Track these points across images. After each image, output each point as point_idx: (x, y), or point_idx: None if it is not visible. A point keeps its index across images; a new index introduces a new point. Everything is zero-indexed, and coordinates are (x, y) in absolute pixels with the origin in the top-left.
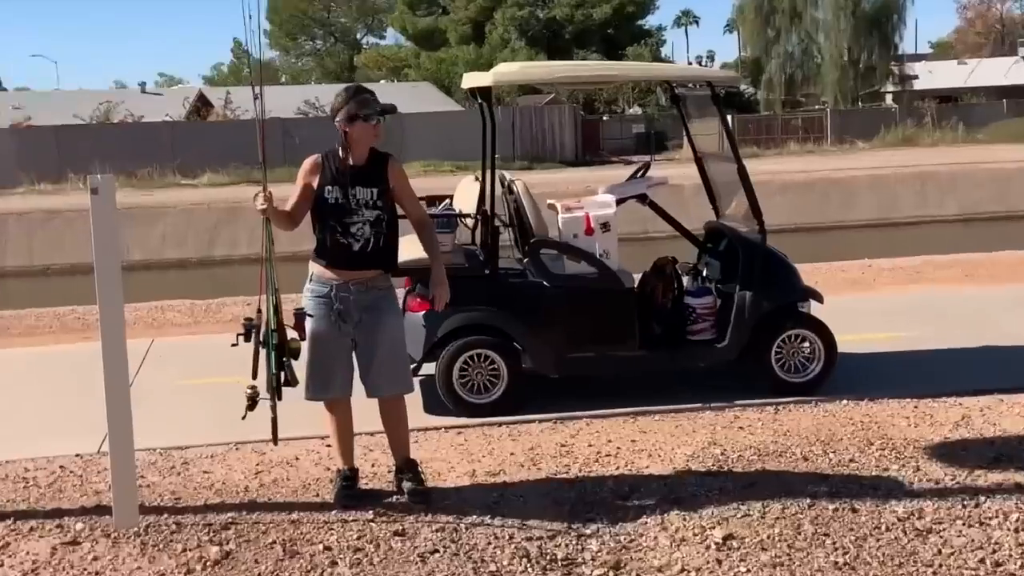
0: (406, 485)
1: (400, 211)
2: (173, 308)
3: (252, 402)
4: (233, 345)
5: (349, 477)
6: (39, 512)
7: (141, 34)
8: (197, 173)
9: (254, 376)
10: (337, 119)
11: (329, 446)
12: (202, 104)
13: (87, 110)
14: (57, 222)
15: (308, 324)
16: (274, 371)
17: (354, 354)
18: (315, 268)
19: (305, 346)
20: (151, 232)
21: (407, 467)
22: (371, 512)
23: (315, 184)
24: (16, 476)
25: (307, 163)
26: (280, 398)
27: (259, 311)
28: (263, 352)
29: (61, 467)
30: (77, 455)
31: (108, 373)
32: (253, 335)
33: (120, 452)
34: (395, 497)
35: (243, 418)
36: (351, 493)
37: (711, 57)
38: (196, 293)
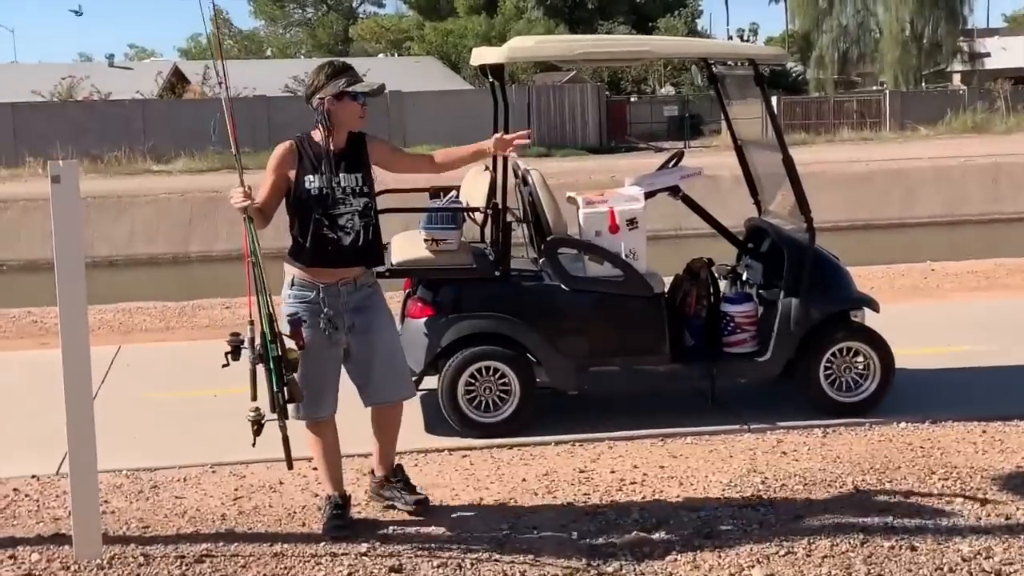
0: (406, 497)
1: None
2: (143, 311)
3: (258, 426)
4: (224, 366)
5: (340, 505)
6: None
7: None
8: (171, 157)
9: (253, 397)
10: (319, 96)
11: (315, 469)
12: (177, 80)
13: (47, 86)
14: (11, 212)
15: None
16: (276, 388)
17: (344, 364)
18: (295, 271)
19: None
20: (118, 224)
21: (397, 473)
22: (364, 544)
23: (292, 174)
24: None
25: (279, 151)
26: (287, 416)
27: (251, 322)
28: (260, 368)
29: (15, 490)
30: (33, 476)
31: (69, 384)
32: (246, 351)
33: (81, 474)
34: (391, 528)
35: (253, 445)
36: (342, 523)
37: (754, 31)
38: (169, 294)
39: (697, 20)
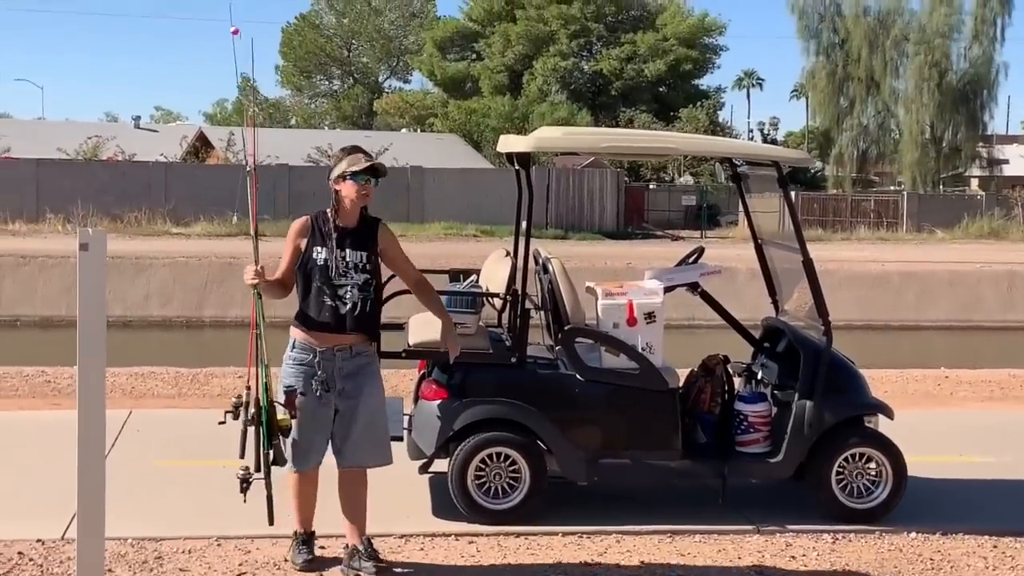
0: (368, 565)
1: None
2: (155, 376)
3: (246, 483)
4: (221, 423)
5: (306, 540)
6: None
7: (138, 63)
8: (190, 221)
9: (241, 455)
10: (330, 178)
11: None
12: (201, 145)
13: (73, 144)
14: (30, 268)
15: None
16: (265, 450)
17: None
18: (297, 334)
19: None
20: (135, 285)
21: (367, 546)
22: None
23: (303, 245)
24: None
25: (296, 224)
26: (269, 475)
27: (248, 387)
28: (251, 430)
29: (20, 553)
30: (39, 540)
31: (83, 449)
32: (241, 413)
33: (89, 541)
34: None
35: (244, 501)
36: (308, 555)
37: (775, 124)
38: (181, 359)
39: (719, 111)
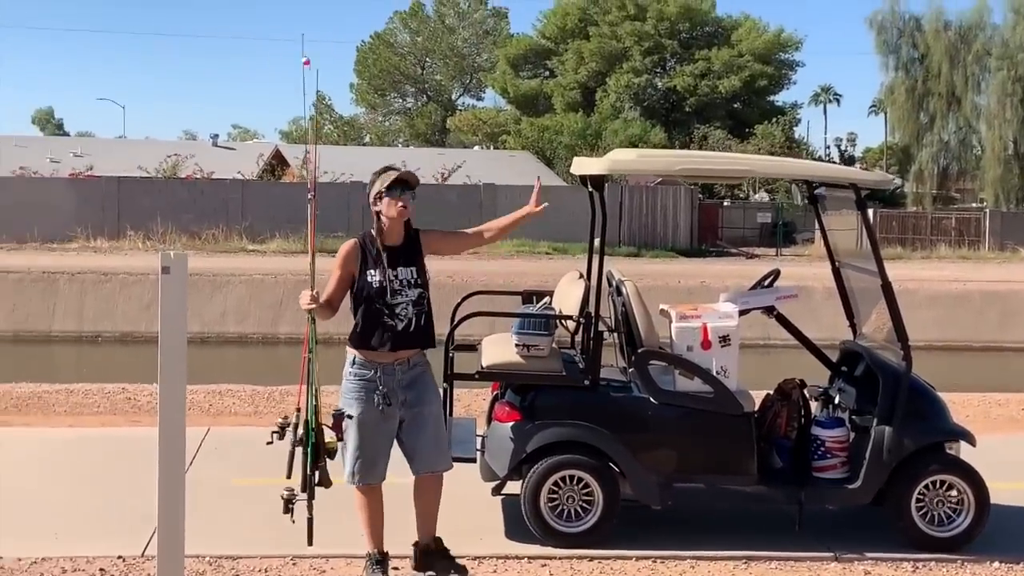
0: (444, 564)
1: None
2: (232, 393)
3: (289, 504)
4: (268, 443)
5: (379, 560)
6: None
7: (216, 82)
8: (266, 238)
9: (288, 475)
10: (370, 198)
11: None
12: (277, 163)
13: (153, 162)
14: (111, 285)
15: (354, 410)
16: (309, 471)
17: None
18: (356, 352)
19: (348, 434)
20: (212, 302)
21: (437, 547)
22: None
23: (355, 270)
24: None
25: (344, 249)
26: (313, 497)
27: (297, 409)
28: (299, 451)
29: (101, 570)
30: (119, 557)
31: (163, 468)
32: (288, 433)
33: (169, 559)
34: None
35: (293, 521)
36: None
37: (852, 141)
38: (257, 376)
39: (795, 127)
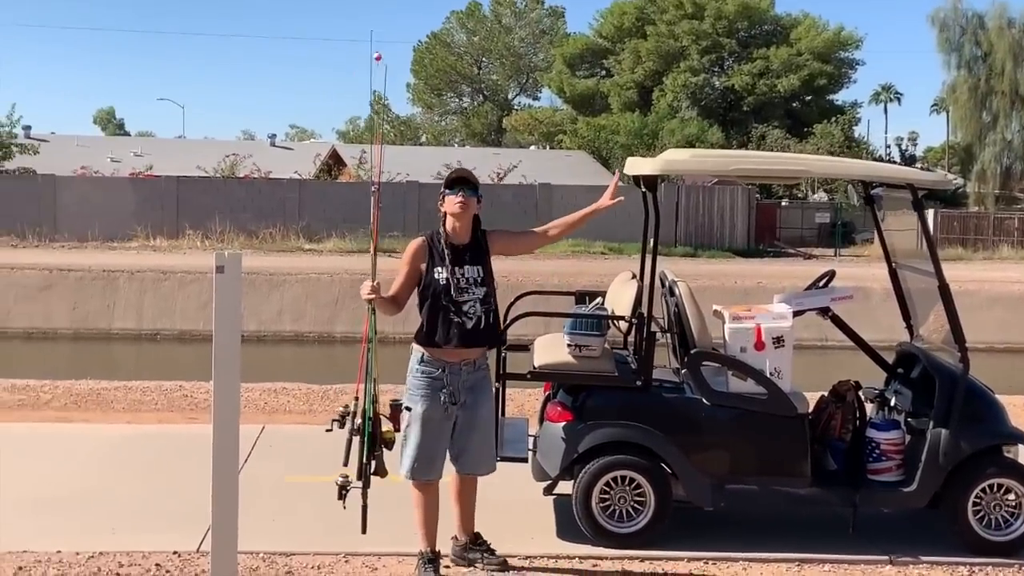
0: (489, 558)
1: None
2: (287, 391)
3: (343, 490)
4: (327, 430)
5: (432, 559)
6: None
7: (274, 82)
8: (323, 237)
9: (345, 463)
10: (439, 202)
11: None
12: (334, 162)
13: (212, 161)
14: (169, 283)
15: (419, 406)
16: (365, 460)
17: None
18: (424, 350)
19: (410, 429)
20: (269, 301)
21: (477, 540)
22: None
23: (423, 267)
24: (109, 571)
25: (413, 246)
26: (368, 486)
27: (356, 397)
28: (355, 440)
29: (157, 565)
30: (175, 552)
31: (217, 466)
32: (348, 422)
33: (222, 555)
34: None
35: (344, 507)
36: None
37: (913, 140)
38: (312, 374)
39: (855, 127)
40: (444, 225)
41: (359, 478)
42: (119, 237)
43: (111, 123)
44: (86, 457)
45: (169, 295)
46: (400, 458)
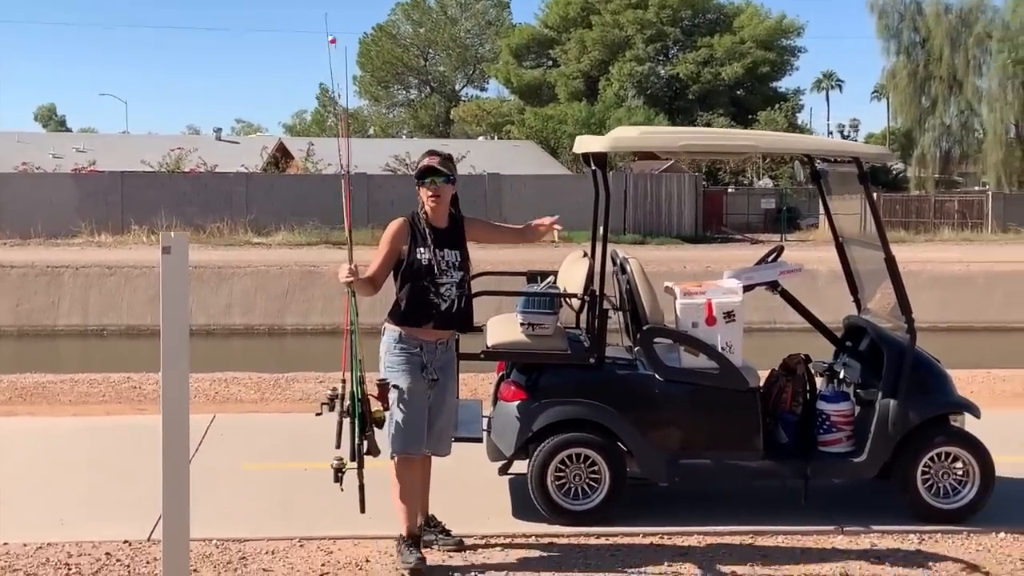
0: (445, 539)
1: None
2: (238, 381)
3: (339, 472)
4: (317, 414)
5: (416, 544)
6: None
7: (219, 77)
8: (271, 230)
9: (337, 445)
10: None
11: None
12: (281, 155)
13: (156, 156)
14: (116, 278)
15: (401, 382)
16: (358, 440)
17: None
18: (400, 330)
19: (394, 406)
20: (218, 294)
21: (431, 523)
22: None
23: (404, 247)
24: (58, 562)
25: (394, 227)
26: (363, 466)
27: (343, 380)
28: (347, 422)
29: (107, 554)
30: (125, 541)
31: (167, 452)
32: (337, 404)
33: (174, 542)
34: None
35: (342, 489)
36: (421, 558)
37: (855, 126)
38: (263, 365)
39: (798, 114)
40: (423, 209)
41: (353, 459)
42: (63, 234)
43: (52, 119)
44: (33, 450)
45: (115, 290)
46: (386, 437)
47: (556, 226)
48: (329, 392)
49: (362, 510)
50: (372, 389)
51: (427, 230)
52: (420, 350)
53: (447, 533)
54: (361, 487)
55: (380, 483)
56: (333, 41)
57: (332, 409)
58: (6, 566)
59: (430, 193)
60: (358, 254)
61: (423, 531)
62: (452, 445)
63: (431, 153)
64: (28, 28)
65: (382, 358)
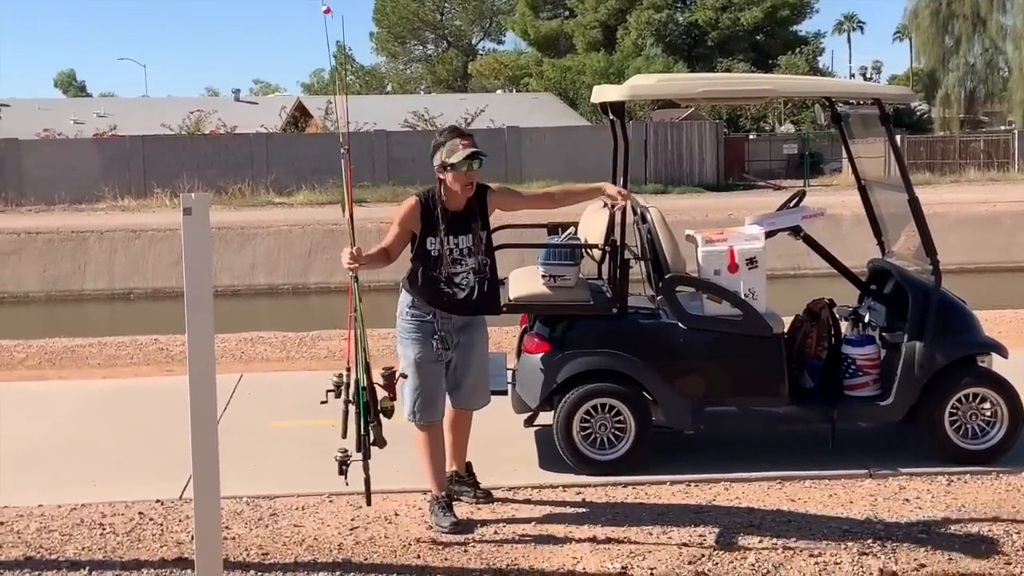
0: (475, 491)
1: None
2: (264, 340)
3: (344, 465)
4: (323, 402)
5: (448, 504)
6: (116, 563)
7: (236, 38)
8: (292, 190)
9: (343, 435)
10: (434, 164)
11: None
12: (300, 114)
13: (176, 119)
14: (140, 242)
15: (411, 350)
16: (363, 432)
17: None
18: (413, 296)
19: (407, 373)
20: (241, 255)
21: (468, 472)
22: None
23: (416, 231)
24: (92, 522)
25: (405, 209)
26: (369, 457)
27: (348, 368)
28: (352, 411)
29: (140, 514)
30: (158, 500)
31: (195, 411)
32: (343, 392)
33: (205, 500)
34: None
35: (347, 483)
36: (456, 519)
37: (877, 69)
38: (288, 324)
39: (819, 57)
40: (441, 190)
41: (358, 450)
42: (86, 199)
43: (72, 86)
44: (64, 413)
45: (140, 254)
46: (402, 401)
47: (620, 200)
48: (334, 378)
49: (368, 503)
50: (377, 378)
51: (440, 216)
52: (432, 317)
53: (477, 485)
54: (366, 480)
55: (408, 436)
56: (327, 10)
57: (338, 396)
58: (42, 527)
59: (467, 181)
60: (379, 211)
61: (454, 480)
62: (490, 397)
63: (459, 134)
64: None
65: (397, 321)
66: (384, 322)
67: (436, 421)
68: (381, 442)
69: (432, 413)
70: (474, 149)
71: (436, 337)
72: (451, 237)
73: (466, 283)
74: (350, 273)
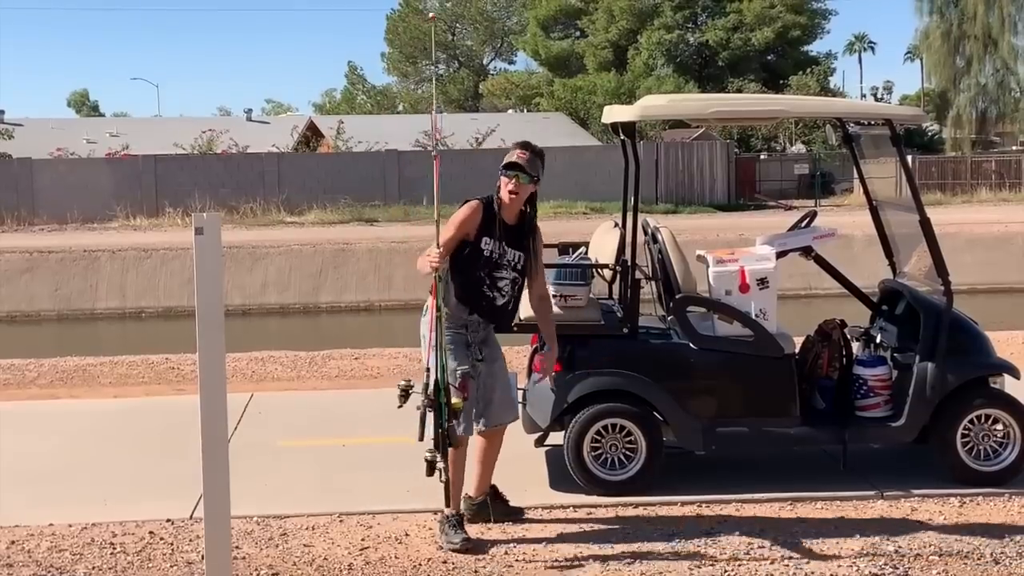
0: (503, 509)
1: None
2: (274, 360)
3: (433, 465)
4: (399, 407)
5: (461, 521)
6: None
7: (248, 58)
8: (304, 209)
9: (420, 438)
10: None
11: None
12: (312, 134)
13: (188, 139)
14: (152, 261)
15: (450, 363)
16: (442, 431)
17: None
18: (447, 308)
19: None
20: (252, 274)
21: (496, 495)
22: None
23: (473, 233)
24: (103, 541)
25: (467, 210)
26: (447, 457)
27: (427, 369)
28: (430, 414)
29: (151, 533)
30: (168, 520)
31: (206, 430)
32: (416, 396)
33: (215, 519)
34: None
35: (441, 481)
36: (468, 537)
37: (888, 89)
38: (299, 343)
39: (830, 77)
40: (497, 197)
41: (437, 449)
42: (99, 218)
43: (85, 105)
44: (75, 432)
45: (152, 273)
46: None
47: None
48: (402, 383)
49: (447, 504)
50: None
51: (498, 223)
52: (465, 329)
53: (506, 503)
54: (446, 482)
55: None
56: (432, 18)
57: (407, 400)
58: (53, 546)
59: (510, 188)
60: (391, 231)
61: (483, 506)
62: (519, 410)
63: (522, 147)
64: (59, 14)
65: (424, 335)
66: (394, 341)
67: (466, 438)
68: (456, 442)
69: (468, 428)
70: (514, 160)
71: (472, 348)
72: (504, 243)
73: (507, 291)
74: (435, 273)
